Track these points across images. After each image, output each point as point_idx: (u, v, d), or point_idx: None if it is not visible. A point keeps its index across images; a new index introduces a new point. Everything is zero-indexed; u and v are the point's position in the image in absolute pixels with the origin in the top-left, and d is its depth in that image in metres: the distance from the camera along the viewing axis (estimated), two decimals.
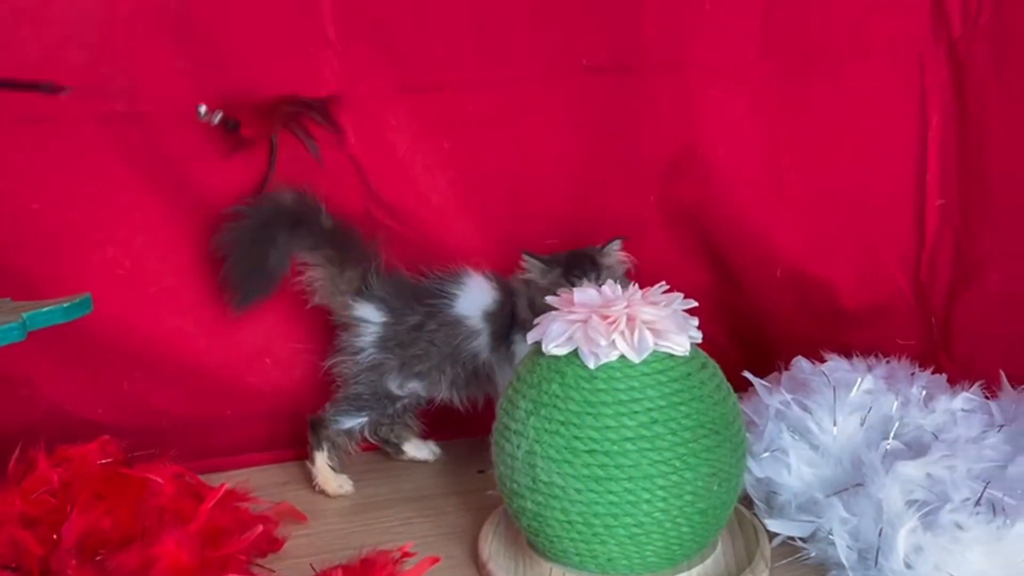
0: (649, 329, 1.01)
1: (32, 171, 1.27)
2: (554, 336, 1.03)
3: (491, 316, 1.30)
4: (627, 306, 1.03)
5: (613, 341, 1.00)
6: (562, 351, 1.03)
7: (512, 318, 1.29)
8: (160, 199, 1.32)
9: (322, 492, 1.32)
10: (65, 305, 1.03)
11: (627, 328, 1.01)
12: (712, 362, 1.07)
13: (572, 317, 1.04)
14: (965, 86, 1.36)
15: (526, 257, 1.25)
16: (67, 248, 1.30)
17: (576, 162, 1.42)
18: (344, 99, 1.32)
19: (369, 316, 1.31)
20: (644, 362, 1.00)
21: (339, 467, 1.34)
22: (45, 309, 1.01)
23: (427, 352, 1.30)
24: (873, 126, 1.41)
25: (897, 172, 1.42)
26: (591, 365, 1.00)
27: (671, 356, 1.02)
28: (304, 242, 1.31)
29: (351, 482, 1.33)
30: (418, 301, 1.31)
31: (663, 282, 1.08)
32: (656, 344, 1.01)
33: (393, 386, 1.33)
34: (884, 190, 1.43)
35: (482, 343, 1.30)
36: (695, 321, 1.06)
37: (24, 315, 0.98)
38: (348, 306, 1.32)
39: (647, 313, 1.02)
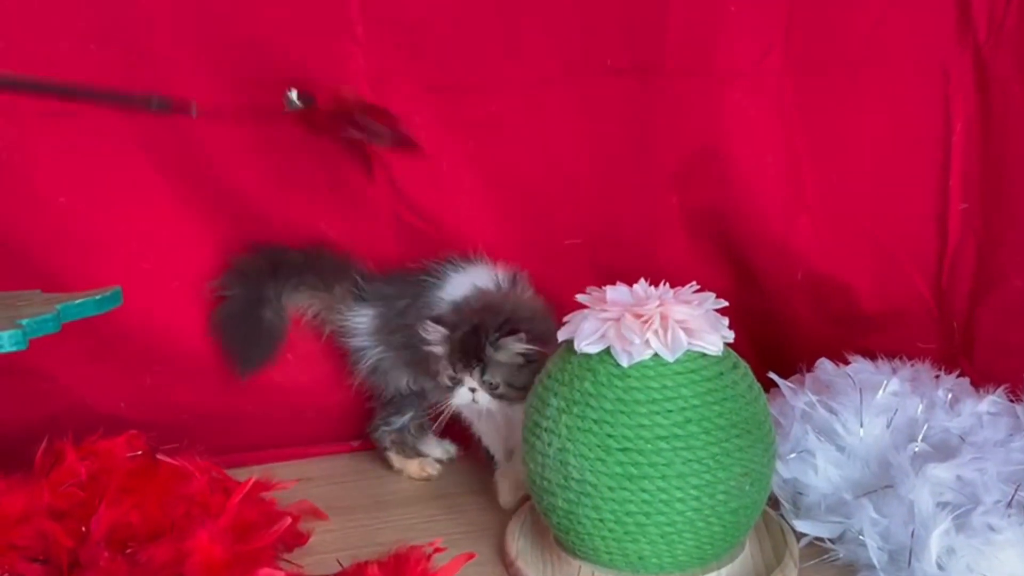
0: (682, 328, 1.01)
1: (58, 164, 1.27)
2: (586, 334, 1.03)
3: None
4: (660, 305, 1.03)
5: (647, 340, 1.00)
6: (594, 349, 1.02)
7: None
8: (185, 194, 1.32)
9: (411, 478, 1.36)
10: (97, 297, 1.02)
11: (661, 327, 1.01)
12: (743, 362, 1.07)
13: (604, 315, 1.03)
14: (989, 91, 1.36)
15: (428, 324, 1.18)
16: (91, 241, 1.30)
17: (598, 163, 1.42)
18: (370, 97, 1.31)
19: (362, 312, 1.32)
20: (677, 361, 1.00)
21: (415, 452, 1.37)
22: (78, 301, 1.00)
23: (410, 339, 1.24)
24: (896, 130, 1.40)
25: (919, 177, 1.42)
26: (624, 363, 1.00)
27: (704, 355, 1.02)
28: (289, 284, 1.33)
29: (436, 464, 1.37)
30: (409, 284, 1.30)
31: (694, 282, 1.08)
32: (690, 343, 1.01)
33: (406, 383, 1.32)
34: (906, 195, 1.43)
35: None
36: (726, 320, 1.06)
37: (58, 306, 0.97)
38: (343, 315, 1.32)
39: (680, 312, 1.02)
